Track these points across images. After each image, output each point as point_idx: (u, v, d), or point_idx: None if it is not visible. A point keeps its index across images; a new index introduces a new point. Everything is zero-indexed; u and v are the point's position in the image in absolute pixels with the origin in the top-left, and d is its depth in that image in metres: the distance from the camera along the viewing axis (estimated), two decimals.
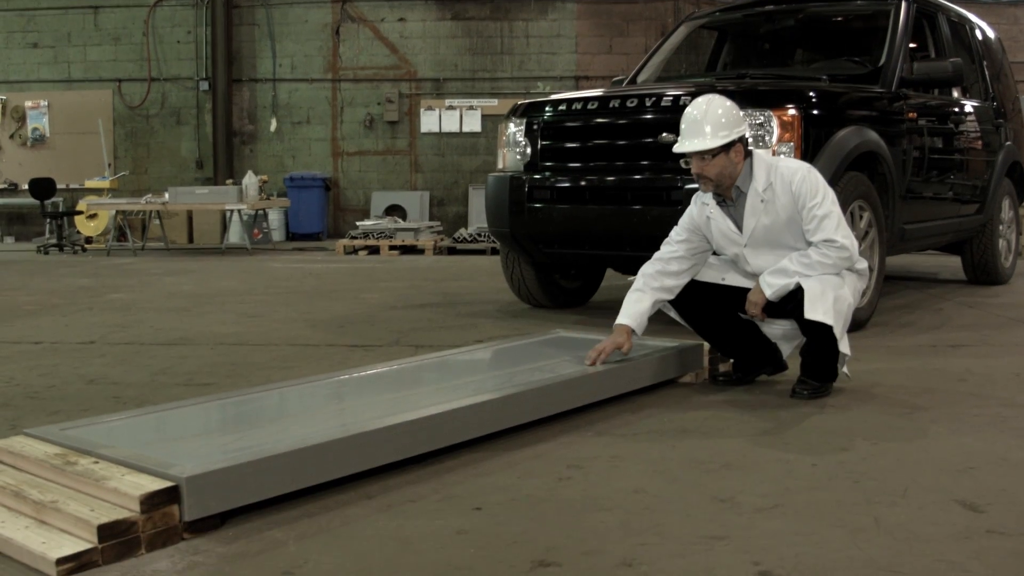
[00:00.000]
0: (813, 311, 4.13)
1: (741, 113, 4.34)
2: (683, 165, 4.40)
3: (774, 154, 5.40)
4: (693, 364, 4.66)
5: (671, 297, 4.49)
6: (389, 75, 16.25)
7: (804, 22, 8.11)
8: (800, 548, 2.58)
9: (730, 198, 4.38)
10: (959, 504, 2.92)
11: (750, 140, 4.35)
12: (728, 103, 4.31)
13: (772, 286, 4.27)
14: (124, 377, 4.88)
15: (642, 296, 4.44)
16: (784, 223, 4.29)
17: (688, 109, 4.34)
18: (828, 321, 4.11)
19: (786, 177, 4.28)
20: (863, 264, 4.45)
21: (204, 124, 16.56)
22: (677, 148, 4.33)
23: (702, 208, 4.49)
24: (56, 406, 4.25)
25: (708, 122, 4.23)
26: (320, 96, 16.45)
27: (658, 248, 4.56)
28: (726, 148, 4.22)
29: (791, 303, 4.23)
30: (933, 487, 3.08)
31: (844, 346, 4.23)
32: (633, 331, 4.37)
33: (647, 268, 4.50)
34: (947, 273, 9.61)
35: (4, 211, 17.03)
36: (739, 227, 4.39)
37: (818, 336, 4.22)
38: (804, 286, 4.18)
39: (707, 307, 4.56)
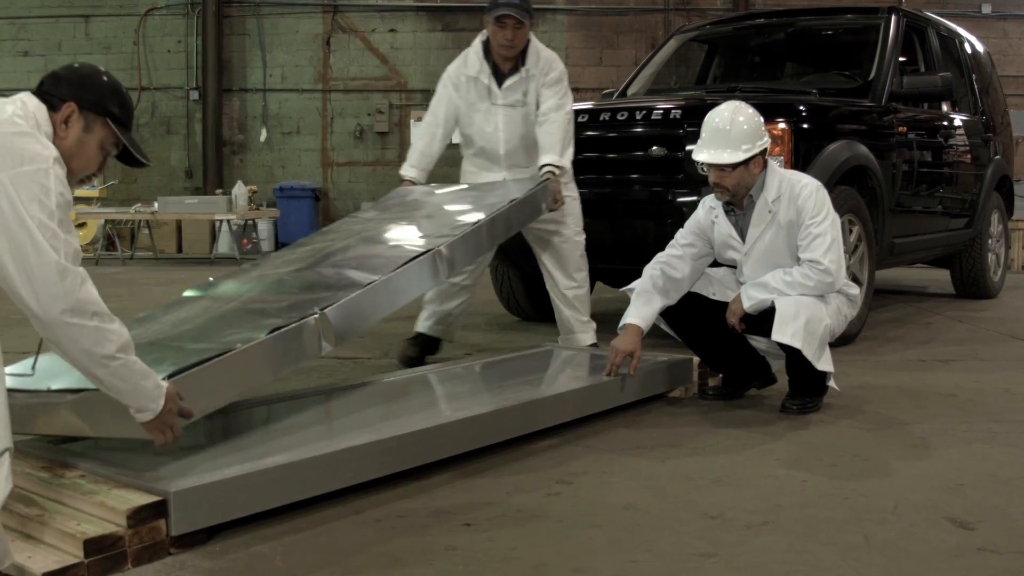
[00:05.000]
0: (781, 333, 4.11)
1: (763, 123, 4.31)
2: (700, 171, 4.36)
3: None
4: (682, 378, 4.65)
5: (672, 302, 4.44)
6: (379, 86, 16.24)
7: (794, 36, 8.12)
8: (791, 566, 2.57)
9: (740, 207, 4.36)
10: (950, 521, 2.91)
11: (767, 150, 4.31)
12: (751, 111, 4.26)
13: (752, 299, 4.26)
14: None
15: (651, 297, 4.39)
16: (785, 237, 4.27)
17: (711, 116, 4.28)
18: (796, 344, 4.08)
19: (795, 190, 4.26)
20: (854, 290, 4.44)
21: (194, 134, 16.52)
22: (697, 156, 4.27)
23: (709, 212, 4.47)
24: None
25: (732, 133, 4.19)
26: (310, 106, 16.43)
27: (647, 260, 4.54)
28: (746, 160, 4.21)
29: (768, 321, 4.19)
30: (923, 504, 3.08)
31: (824, 365, 4.20)
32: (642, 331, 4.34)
33: (651, 270, 4.45)
34: (936, 287, 9.63)
35: None
36: (742, 236, 4.38)
37: (792, 356, 4.21)
38: (777, 306, 4.15)
39: (697, 320, 4.53)
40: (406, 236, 4.52)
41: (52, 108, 2.66)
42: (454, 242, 4.25)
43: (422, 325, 5.58)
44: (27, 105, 2.62)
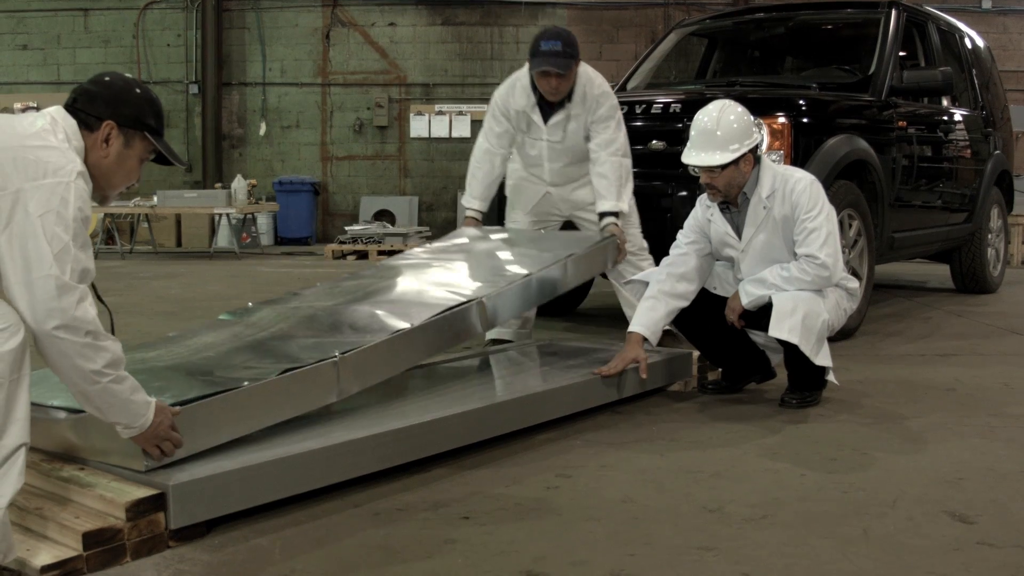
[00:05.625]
0: (779, 329, 4.11)
1: (753, 120, 4.28)
2: (691, 173, 4.36)
3: None
4: (682, 372, 4.65)
5: (686, 304, 4.42)
6: (379, 80, 16.22)
7: (794, 30, 8.11)
8: (789, 559, 2.57)
9: (735, 204, 4.36)
10: (949, 515, 2.92)
11: (761, 147, 4.28)
12: (740, 110, 4.24)
13: (750, 295, 4.26)
14: None
15: (656, 304, 4.37)
16: (781, 233, 4.26)
17: (699, 116, 4.27)
18: (793, 340, 4.09)
19: (789, 185, 4.24)
20: (853, 283, 4.43)
21: (193, 127, 16.51)
22: (686, 159, 4.25)
23: (705, 210, 4.47)
24: None
25: (720, 133, 4.16)
26: (310, 100, 16.42)
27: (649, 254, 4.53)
28: (735, 160, 4.19)
29: (766, 317, 4.20)
30: (922, 498, 3.08)
31: (822, 360, 4.20)
32: (646, 339, 4.32)
33: (658, 274, 4.46)
34: (936, 282, 9.63)
35: None
36: (739, 233, 4.37)
37: (790, 351, 4.21)
38: (775, 301, 4.16)
39: (697, 314, 4.52)
40: (451, 282, 4.37)
41: (87, 127, 2.63)
42: (497, 295, 4.15)
43: (494, 332, 5.57)
44: (57, 120, 2.60)
